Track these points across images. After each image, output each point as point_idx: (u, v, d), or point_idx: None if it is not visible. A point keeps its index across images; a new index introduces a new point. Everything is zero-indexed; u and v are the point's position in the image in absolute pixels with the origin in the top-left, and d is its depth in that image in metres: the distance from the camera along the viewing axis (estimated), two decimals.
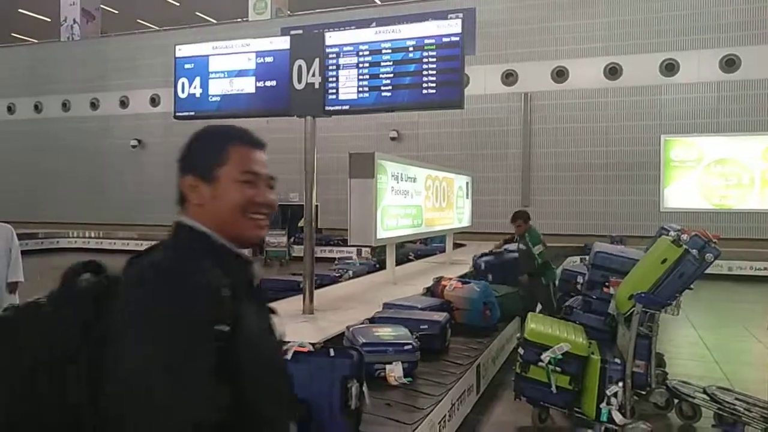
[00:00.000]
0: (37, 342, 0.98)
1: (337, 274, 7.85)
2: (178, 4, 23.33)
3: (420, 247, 11.44)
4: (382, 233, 6.49)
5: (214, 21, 23.53)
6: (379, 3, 20.74)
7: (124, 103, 20.98)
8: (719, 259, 3.85)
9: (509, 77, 16.54)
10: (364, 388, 2.94)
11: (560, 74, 16.12)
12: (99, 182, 20.90)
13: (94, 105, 21.49)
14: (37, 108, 22.39)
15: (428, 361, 4.23)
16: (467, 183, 10.43)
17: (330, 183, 14.09)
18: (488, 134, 16.52)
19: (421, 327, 4.44)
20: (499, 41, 16.34)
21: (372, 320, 4.73)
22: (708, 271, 3.82)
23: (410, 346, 3.93)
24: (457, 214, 9.75)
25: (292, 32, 7.73)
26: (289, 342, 2.96)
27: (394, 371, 3.69)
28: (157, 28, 23.77)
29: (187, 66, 5.83)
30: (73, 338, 0.97)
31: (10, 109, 22.83)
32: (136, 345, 0.92)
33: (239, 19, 20.07)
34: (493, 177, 15.80)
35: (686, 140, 15.10)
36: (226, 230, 1.10)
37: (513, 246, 7.38)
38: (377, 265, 8.94)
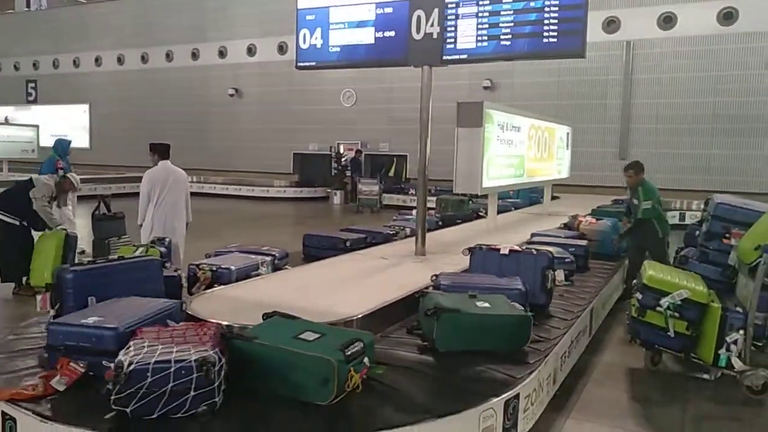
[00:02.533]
0: None
1: (391, 232, 6.84)
2: None
3: None
4: (487, 182, 6.62)
5: None
6: None
7: (222, 53, 21.76)
8: None
9: (611, 24, 15.78)
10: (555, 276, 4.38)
11: (667, 20, 15.21)
12: (199, 129, 22.03)
13: (194, 55, 22.45)
14: (144, 59, 23.69)
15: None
16: (567, 134, 10.29)
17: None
18: (585, 84, 15.97)
19: (569, 249, 5.51)
20: None
21: (530, 243, 5.86)
22: None
23: (569, 259, 5.28)
24: (557, 165, 9.70)
25: None
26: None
27: (558, 276, 4.77)
28: None
29: (308, 17, 6.09)
30: None
31: (120, 60, 24.30)
32: None
33: None
34: (588, 128, 15.29)
35: None
36: None
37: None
38: (440, 222, 8.10)
